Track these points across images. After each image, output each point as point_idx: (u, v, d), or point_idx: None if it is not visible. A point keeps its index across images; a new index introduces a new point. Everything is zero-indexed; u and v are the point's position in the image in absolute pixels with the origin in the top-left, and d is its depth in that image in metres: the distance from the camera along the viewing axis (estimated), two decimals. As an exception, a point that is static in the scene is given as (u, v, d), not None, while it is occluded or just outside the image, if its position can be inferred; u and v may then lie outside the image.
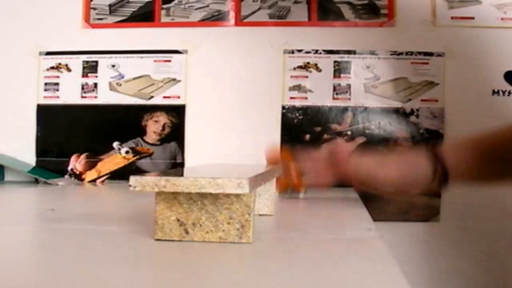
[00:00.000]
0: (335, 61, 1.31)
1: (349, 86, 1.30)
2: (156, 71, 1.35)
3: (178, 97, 1.34)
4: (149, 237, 0.56)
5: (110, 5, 1.36)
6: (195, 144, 1.33)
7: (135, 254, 0.51)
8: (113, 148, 1.34)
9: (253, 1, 1.33)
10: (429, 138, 1.27)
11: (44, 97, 1.37)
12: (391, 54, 1.30)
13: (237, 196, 0.53)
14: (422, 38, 1.29)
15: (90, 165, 1.35)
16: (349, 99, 1.30)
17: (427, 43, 1.29)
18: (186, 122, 1.33)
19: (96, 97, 1.36)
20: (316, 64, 1.31)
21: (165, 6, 1.35)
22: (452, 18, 1.29)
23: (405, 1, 1.29)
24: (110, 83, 1.36)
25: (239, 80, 1.33)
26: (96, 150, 1.35)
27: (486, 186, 1.05)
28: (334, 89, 1.30)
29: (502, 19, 1.27)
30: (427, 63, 1.28)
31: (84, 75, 1.36)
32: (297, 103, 1.31)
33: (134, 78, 1.36)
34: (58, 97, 1.37)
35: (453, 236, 1.27)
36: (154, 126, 1.34)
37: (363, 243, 0.59)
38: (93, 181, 1.34)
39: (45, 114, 1.37)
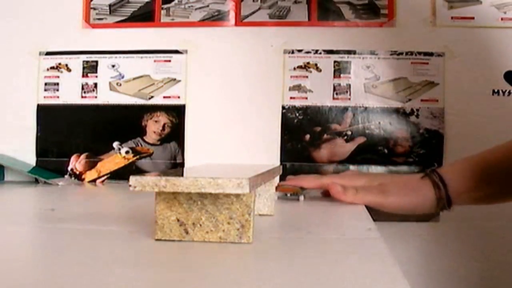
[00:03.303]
0: (335, 61, 1.31)
1: (349, 86, 1.30)
2: (156, 71, 1.35)
3: (178, 97, 1.34)
4: (149, 237, 0.56)
5: (110, 5, 1.36)
6: (195, 144, 1.33)
7: (135, 254, 0.51)
8: (113, 148, 1.34)
9: (253, 1, 1.33)
10: (429, 138, 1.27)
11: (44, 97, 1.37)
12: (391, 54, 1.30)
13: (237, 196, 0.53)
14: (422, 38, 1.29)
15: (90, 165, 1.35)
16: (349, 99, 1.30)
17: (427, 43, 1.29)
18: (186, 122, 1.33)
19: (96, 97, 1.36)
20: (316, 64, 1.31)
21: (165, 6, 1.35)
22: (452, 18, 1.29)
23: (405, 1, 1.29)
24: (110, 83, 1.36)
25: (239, 80, 1.33)
26: (96, 150, 1.35)
27: (489, 205, 1.03)
28: (334, 89, 1.30)
29: (502, 19, 1.27)
30: (427, 63, 1.28)
31: (84, 75, 1.36)
32: (297, 103, 1.31)
33: (134, 78, 1.36)
34: (58, 97, 1.37)
35: (453, 236, 1.27)
36: (154, 126, 1.34)
37: (363, 243, 0.59)
38: (93, 181, 1.34)
39: (45, 114, 1.37)
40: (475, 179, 0.89)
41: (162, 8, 1.35)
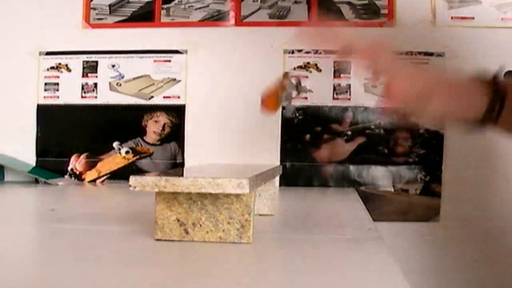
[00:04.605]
0: (335, 61, 1.31)
1: (349, 86, 1.30)
2: (156, 71, 1.35)
3: (178, 97, 1.34)
4: (149, 237, 0.56)
5: (110, 5, 1.36)
6: (195, 144, 1.33)
7: (135, 254, 0.51)
8: (113, 148, 1.34)
9: (253, 1, 1.33)
10: (429, 138, 1.27)
11: (44, 97, 1.37)
12: (391, 54, 1.29)
13: (237, 196, 0.53)
14: (422, 38, 1.29)
15: (90, 165, 1.35)
16: (349, 99, 1.30)
17: (427, 43, 1.29)
18: (186, 122, 1.33)
19: (96, 97, 1.36)
20: (316, 64, 1.31)
21: (165, 6, 1.35)
22: (452, 18, 1.29)
23: (405, 1, 1.29)
24: (110, 83, 1.36)
25: (239, 80, 1.32)
26: (96, 150, 1.35)
27: None
28: (334, 89, 1.30)
29: (502, 19, 1.27)
30: (427, 63, 1.28)
31: (84, 75, 1.36)
32: (297, 103, 1.30)
33: (134, 78, 1.35)
34: (58, 97, 1.37)
35: (453, 236, 1.27)
36: (154, 126, 1.34)
37: (363, 243, 0.59)
38: (93, 181, 1.34)
39: (45, 114, 1.37)
40: None
41: (162, 8, 1.35)
